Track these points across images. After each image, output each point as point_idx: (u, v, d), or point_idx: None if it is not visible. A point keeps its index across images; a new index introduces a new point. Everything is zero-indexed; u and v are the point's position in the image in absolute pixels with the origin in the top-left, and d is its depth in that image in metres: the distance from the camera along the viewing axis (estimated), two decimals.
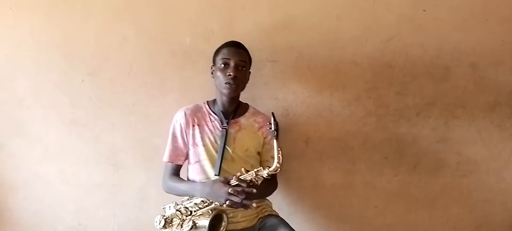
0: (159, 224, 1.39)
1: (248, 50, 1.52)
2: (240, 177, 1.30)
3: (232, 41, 1.51)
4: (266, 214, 1.52)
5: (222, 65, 1.44)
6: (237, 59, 1.44)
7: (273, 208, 1.62)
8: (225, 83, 1.42)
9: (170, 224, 1.40)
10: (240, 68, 1.44)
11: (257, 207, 1.46)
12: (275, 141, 1.30)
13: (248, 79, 1.54)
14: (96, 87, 1.73)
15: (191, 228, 1.35)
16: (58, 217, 1.85)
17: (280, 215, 1.56)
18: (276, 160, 1.30)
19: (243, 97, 1.59)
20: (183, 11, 1.67)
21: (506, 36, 1.65)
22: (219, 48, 1.50)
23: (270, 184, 1.49)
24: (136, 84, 1.72)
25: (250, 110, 1.56)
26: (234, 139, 1.47)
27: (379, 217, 1.81)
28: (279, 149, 1.30)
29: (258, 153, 1.54)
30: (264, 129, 1.50)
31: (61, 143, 1.78)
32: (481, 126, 1.72)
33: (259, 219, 1.50)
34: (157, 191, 1.80)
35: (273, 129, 1.31)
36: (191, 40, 1.68)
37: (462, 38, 1.65)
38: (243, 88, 1.52)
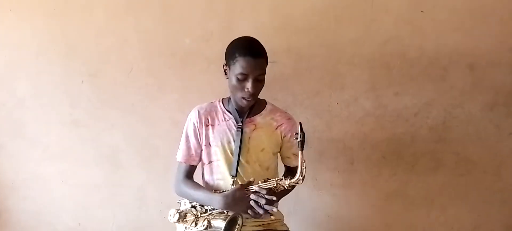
0: (173, 217, 1.35)
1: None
2: (261, 185, 1.26)
3: (251, 48, 1.28)
4: (278, 229, 1.44)
5: (240, 76, 1.26)
6: (256, 73, 1.26)
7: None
8: (242, 98, 1.30)
9: (184, 219, 1.36)
10: (259, 81, 1.29)
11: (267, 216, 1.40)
12: (300, 152, 1.21)
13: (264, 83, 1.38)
14: (96, 88, 1.74)
15: (206, 228, 1.31)
16: (57, 217, 1.86)
17: None
18: (299, 172, 1.23)
19: None
20: (182, 13, 1.67)
21: (504, 37, 1.65)
22: (235, 51, 1.28)
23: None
24: (136, 85, 1.73)
25: (268, 107, 1.43)
26: (249, 138, 1.37)
27: (377, 217, 1.82)
28: (303, 161, 1.21)
29: (274, 154, 1.44)
30: (283, 127, 1.40)
31: (61, 143, 1.79)
32: (479, 126, 1.72)
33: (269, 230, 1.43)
34: (156, 191, 1.82)
35: (299, 140, 1.20)
36: (191, 41, 1.69)
37: (460, 39, 1.65)
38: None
